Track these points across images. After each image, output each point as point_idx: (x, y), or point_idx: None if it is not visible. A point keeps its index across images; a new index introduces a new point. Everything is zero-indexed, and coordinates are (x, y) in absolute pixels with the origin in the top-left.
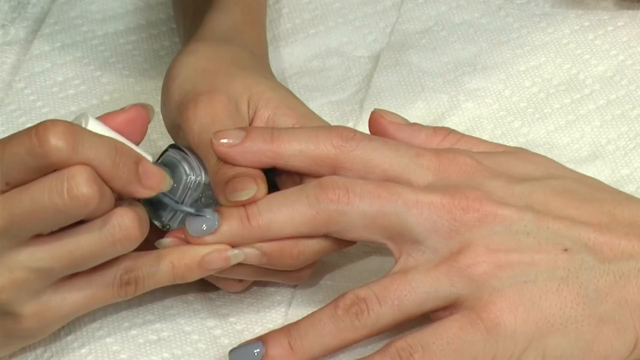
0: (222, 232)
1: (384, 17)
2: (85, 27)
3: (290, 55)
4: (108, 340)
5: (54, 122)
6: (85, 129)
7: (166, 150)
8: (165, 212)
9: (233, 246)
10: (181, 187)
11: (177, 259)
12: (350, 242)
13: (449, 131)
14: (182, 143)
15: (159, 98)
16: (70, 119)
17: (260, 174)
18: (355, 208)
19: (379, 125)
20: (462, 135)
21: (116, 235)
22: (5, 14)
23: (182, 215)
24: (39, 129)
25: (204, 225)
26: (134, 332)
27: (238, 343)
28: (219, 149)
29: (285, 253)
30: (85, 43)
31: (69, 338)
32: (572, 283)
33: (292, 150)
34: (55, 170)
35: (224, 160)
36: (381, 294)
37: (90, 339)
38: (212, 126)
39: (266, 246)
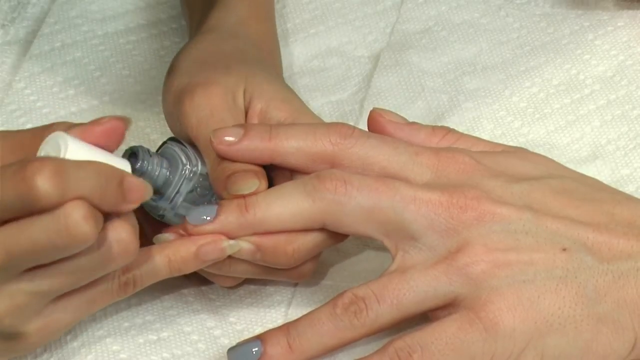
0: (221, 220)
1: (384, 17)
2: (85, 26)
3: (291, 55)
4: (108, 340)
5: (39, 165)
6: (69, 163)
7: (165, 142)
8: (161, 201)
9: (231, 237)
10: (177, 177)
11: (173, 253)
12: (345, 236)
13: (448, 130)
14: (181, 135)
15: (159, 98)
16: (69, 120)
17: (261, 170)
18: (352, 200)
19: (377, 124)
20: (461, 134)
21: (114, 251)
22: (5, 14)
23: (176, 204)
24: (26, 174)
25: (204, 214)
26: (133, 332)
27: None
28: (219, 147)
29: (280, 250)
30: (86, 43)
31: (68, 338)
32: (570, 283)
33: (290, 147)
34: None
35: (222, 158)
36: (380, 293)
37: (90, 338)
38: (210, 118)
39: (260, 240)
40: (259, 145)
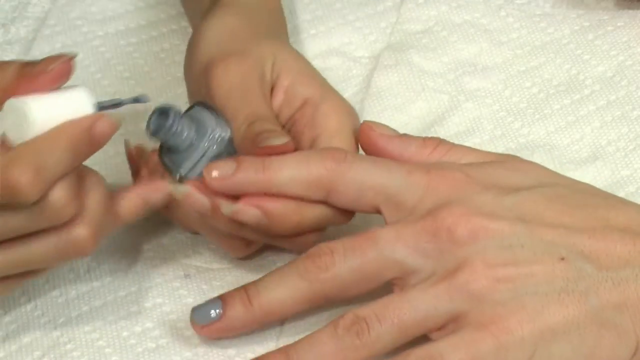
0: (228, 316)
1: (385, 17)
2: (85, 27)
3: None
4: (107, 350)
5: (20, 167)
6: (47, 154)
7: (192, 106)
8: (186, 162)
9: (238, 331)
10: (204, 141)
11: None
12: (351, 214)
13: (439, 141)
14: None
15: (160, 99)
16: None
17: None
18: (343, 267)
19: (368, 138)
20: (452, 145)
21: (70, 250)
22: (5, 13)
23: (200, 167)
24: (9, 181)
25: (211, 312)
26: (132, 341)
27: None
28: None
29: (286, 218)
30: (86, 44)
31: (68, 347)
32: (572, 291)
33: (284, 178)
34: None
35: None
36: (381, 313)
37: (89, 348)
38: (242, 86)
39: (270, 206)
40: (252, 177)
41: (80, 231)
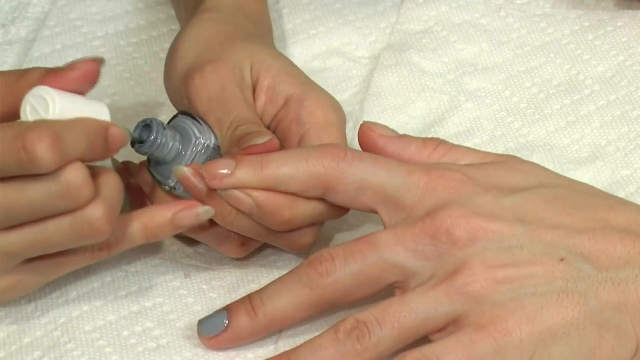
0: (233, 326)
1: (384, 17)
2: (85, 28)
3: (291, 56)
4: (107, 350)
5: (38, 133)
6: (64, 127)
7: (175, 115)
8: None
9: (245, 341)
10: (189, 150)
11: (148, 220)
12: (346, 210)
13: (439, 142)
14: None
15: (160, 100)
16: None
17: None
18: (344, 272)
19: (368, 139)
20: (452, 145)
21: (85, 230)
22: (5, 14)
23: None
24: (26, 143)
25: (217, 324)
26: (133, 340)
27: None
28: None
29: (277, 212)
30: (86, 45)
31: (68, 346)
32: (571, 292)
33: (283, 175)
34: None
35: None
36: (381, 317)
37: (89, 347)
38: (221, 93)
39: (262, 197)
40: (252, 175)
41: (96, 211)
